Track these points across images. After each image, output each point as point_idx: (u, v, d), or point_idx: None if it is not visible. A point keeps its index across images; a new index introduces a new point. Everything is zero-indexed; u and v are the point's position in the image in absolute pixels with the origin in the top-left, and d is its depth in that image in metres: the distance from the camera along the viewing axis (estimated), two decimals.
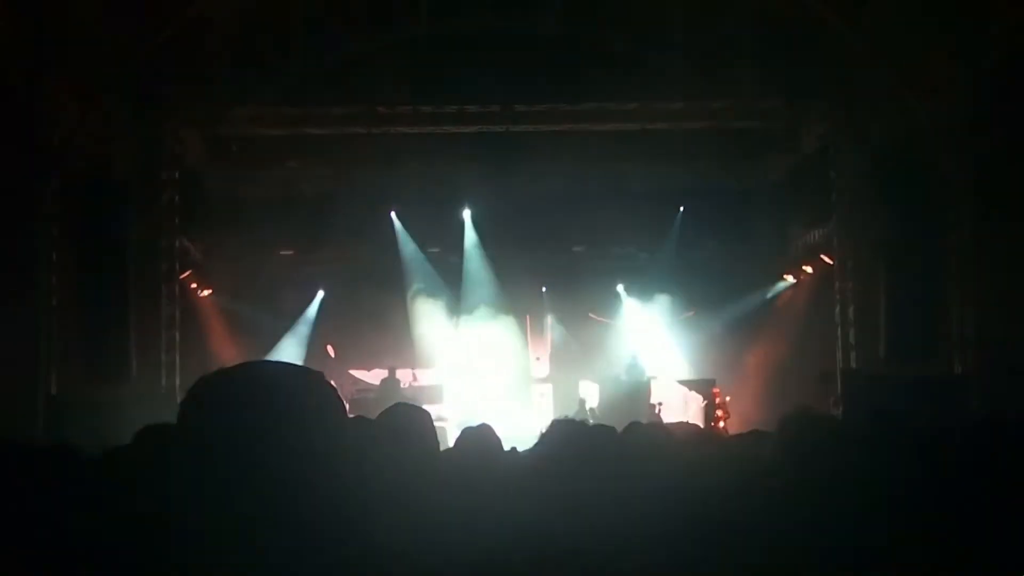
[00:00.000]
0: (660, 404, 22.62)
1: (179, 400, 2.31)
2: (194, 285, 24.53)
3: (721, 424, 22.68)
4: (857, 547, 3.55)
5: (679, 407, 23.17)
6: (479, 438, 5.40)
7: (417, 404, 4.81)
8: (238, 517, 2.08)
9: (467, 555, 2.94)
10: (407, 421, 4.38)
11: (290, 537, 2.10)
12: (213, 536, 2.09)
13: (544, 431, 5.16)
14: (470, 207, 26.45)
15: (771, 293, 26.43)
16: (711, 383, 23.93)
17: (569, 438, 4.66)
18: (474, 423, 5.55)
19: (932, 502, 3.83)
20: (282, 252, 26.50)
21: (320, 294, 26.52)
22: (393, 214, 26.14)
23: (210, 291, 25.19)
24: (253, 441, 2.09)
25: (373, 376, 25.08)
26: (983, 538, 3.54)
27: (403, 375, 24.56)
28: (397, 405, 4.58)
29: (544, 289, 26.93)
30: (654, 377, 23.60)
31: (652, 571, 3.14)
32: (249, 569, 2.07)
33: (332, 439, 2.21)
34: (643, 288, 26.63)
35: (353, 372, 25.72)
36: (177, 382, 21.86)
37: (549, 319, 27.13)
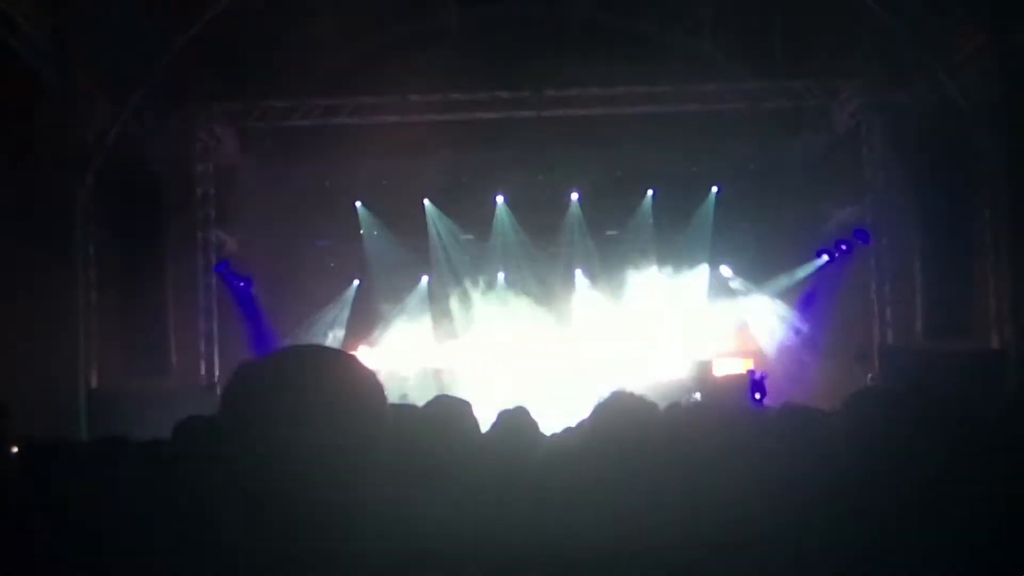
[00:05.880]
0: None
1: (219, 392, 2.33)
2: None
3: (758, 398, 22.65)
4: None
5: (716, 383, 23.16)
6: (515, 422, 5.40)
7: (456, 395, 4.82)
8: (280, 505, 2.11)
9: (504, 538, 2.96)
10: (450, 410, 4.41)
11: (329, 521, 2.12)
12: (255, 523, 2.12)
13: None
14: (503, 193, 26.40)
15: (807, 271, 26.26)
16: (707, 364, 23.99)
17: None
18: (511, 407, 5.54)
19: (976, 479, 3.84)
20: (318, 242, 26.58)
21: (356, 283, 26.56)
22: (426, 201, 26.14)
23: (247, 282, 25.22)
24: (293, 428, 2.11)
25: (408, 366, 25.11)
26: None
27: (439, 366, 24.64)
28: (440, 396, 4.60)
29: (578, 271, 26.86)
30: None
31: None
32: (289, 553, 2.10)
33: (373, 423, 2.21)
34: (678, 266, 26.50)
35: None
36: (216, 374, 22.02)
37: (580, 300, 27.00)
